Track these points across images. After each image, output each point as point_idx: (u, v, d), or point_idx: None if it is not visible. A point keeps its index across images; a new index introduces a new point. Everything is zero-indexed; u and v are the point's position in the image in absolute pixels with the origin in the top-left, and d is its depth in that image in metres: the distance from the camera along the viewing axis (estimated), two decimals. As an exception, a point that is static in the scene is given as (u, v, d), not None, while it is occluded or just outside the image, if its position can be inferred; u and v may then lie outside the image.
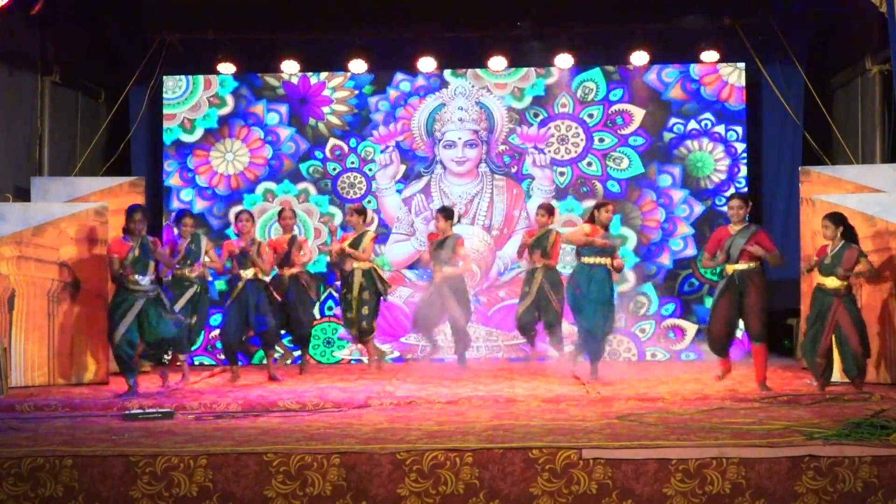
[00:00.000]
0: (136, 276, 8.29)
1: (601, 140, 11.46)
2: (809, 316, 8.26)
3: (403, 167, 11.52)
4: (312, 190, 11.52)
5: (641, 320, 11.25)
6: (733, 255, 8.29)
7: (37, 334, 9.16)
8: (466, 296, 10.06)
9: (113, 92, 11.48)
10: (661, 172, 11.39)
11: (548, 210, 10.08)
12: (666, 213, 11.36)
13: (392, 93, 11.59)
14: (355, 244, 9.93)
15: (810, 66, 11.10)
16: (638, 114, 11.44)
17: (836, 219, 8.14)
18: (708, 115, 11.39)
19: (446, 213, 9.96)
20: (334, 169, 11.52)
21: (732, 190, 11.12)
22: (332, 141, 11.56)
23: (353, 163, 11.54)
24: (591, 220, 9.01)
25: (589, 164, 11.44)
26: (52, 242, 9.23)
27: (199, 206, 11.46)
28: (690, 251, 11.30)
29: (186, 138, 11.52)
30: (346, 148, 11.55)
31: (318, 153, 11.55)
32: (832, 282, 8.03)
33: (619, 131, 11.44)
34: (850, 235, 8.13)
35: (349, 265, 9.90)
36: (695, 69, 11.41)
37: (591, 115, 11.47)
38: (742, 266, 8.26)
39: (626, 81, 11.46)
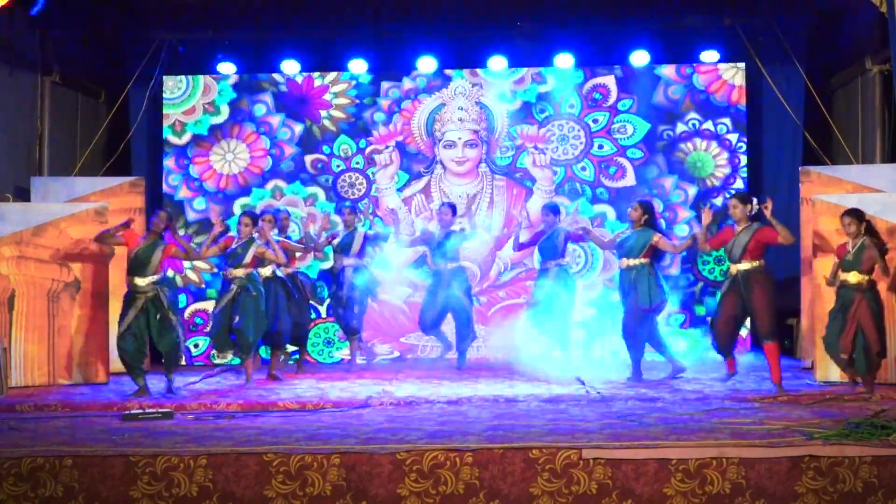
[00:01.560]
0: (135, 278, 8.41)
1: (600, 147, 11.46)
2: (832, 309, 8.21)
3: (404, 165, 11.53)
4: (310, 191, 11.50)
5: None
6: (735, 254, 8.29)
7: (37, 334, 9.16)
8: (469, 290, 10.21)
9: (113, 92, 11.48)
10: (678, 188, 11.35)
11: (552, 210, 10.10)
12: (662, 203, 11.33)
13: (392, 93, 11.59)
14: (346, 242, 9.95)
15: (810, 66, 11.10)
16: (642, 127, 11.42)
17: (859, 215, 8.12)
18: (708, 114, 11.38)
19: (454, 208, 10.20)
20: (338, 166, 11.51)
21: (734, 191, 11.11)
22: (332, 141, 11.55)
23: (352, 163, 11.53)
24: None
25: (583, 168, 11.43)
26: (52, 242, 9.23)
27: (199, 205, 11.46)
28: (674, 270, 11.24)
29: (195, 135, 11.51)
30: (346, 148, 11.54)
31: (316, 154, 11.54)
32: (854, 276, 8.02)
33: (620, 141, 11.44)
34: (871, 230, 8.11)
35: (337, 264, 9.95)
36: (695, 69, 11.41)
37: (595, 121, 11.46)
38: (745, 266, 8.25)
39: (629, 81, 11.45)
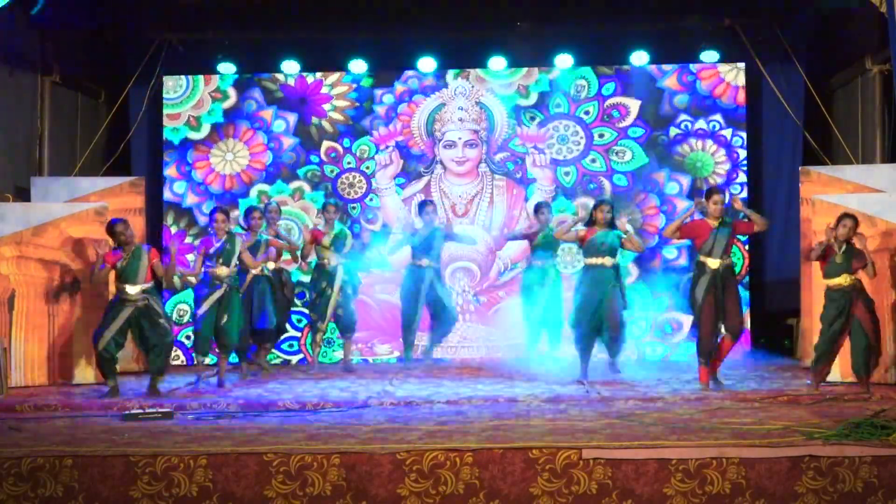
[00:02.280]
0: (126, 286, 8.33)
1: (601, 136, 11.46)
2: (825, 315, 8.18)
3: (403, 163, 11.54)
4: (307, 189, 11.52)
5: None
6: (717, 251, 8.27)
7: (37, 334, 9.16)
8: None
9: (113, 92, 11.48)
10: (671, 180, 11.35)
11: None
12: (667, 220, 11.33)
13: (392, 93, 11.58)
14: (339, 240, 9.90)
15: (810, 66, 11.10)
16: (633, 105, 11.44)
17: (857, 220, 8.17)
18: (708, 115, 11.38)
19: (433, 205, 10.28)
20: (349, 162, 11.51)
21: (740, 191, 11.10)
22: (332, 141, 11.55)
23: (363, 165, 11.53)
24: (591, 222, 9.10)
25: (592, 160, 11.44)
26: (52, 242, 9.24)
27: (200, 206, 11.48)
28: (683, 261, 11.23)
29: (194, 135, 11.51)
30: (364, 149, 11.52)
31: (314, 156, 11.54)
32: (846, 279, 8.06)
33: (616, 125, 11.45)
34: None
35: (332, 260, 9.89)
36: (695, 69, 11.41)
37: (587, 113, 11.47)
38: (726, 261, 8.29)
39: (622, 79, 11.45)
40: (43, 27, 10.45)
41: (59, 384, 9.11)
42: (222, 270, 8.79)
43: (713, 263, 8.27)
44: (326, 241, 9.86)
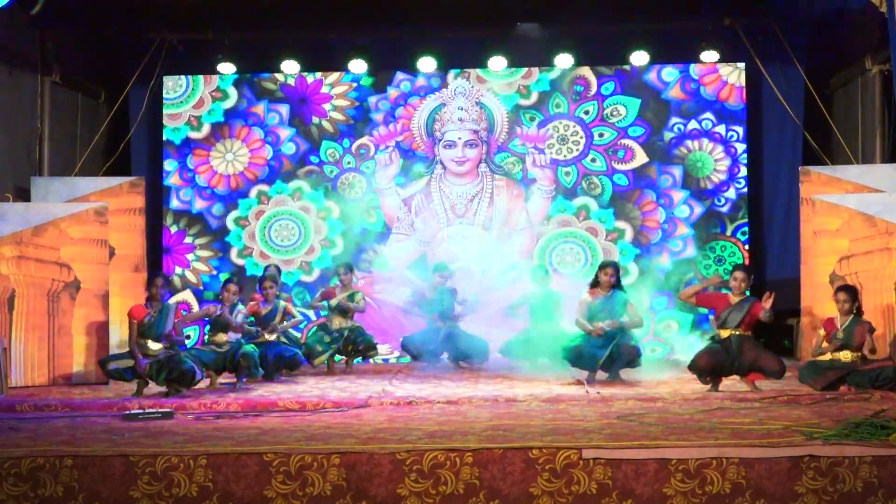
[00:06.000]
0: (148, 342, 8.26)
1: (601, 135, 11.47)
2: (819, 362, 8.19)
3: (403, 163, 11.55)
4: (307, 189, 11.53)
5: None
6: (731, 323, 8.19)
7: (37, 334, 9.16)
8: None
9: (113, 92, 11.49)
10: (662, 173, 11.39)
11: None
12: (666, 213, 11.36)
13: (392, 93, 11.60)
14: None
15: (810, 66, 11.11)
16: (633, 105, 11.44)
17: (854, 293, 8.16)
18: (708, 115, 11.39)
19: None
20: (349, 162, 11.53)
21: (743, 186, 11.11)
22: (332, 141, 11.56)
23: (363, 165, 11.53)
24: (596, 282, 9.04)
25: (593, 160, 11.45)
26: (52, 242, 9.24)
27: (199, 206, 11.51)
28: (690, 252, 11.28)
29: (194, 135, 11.53)
30: (343, 149, 11.54)
31: (314, 157, 11.55)
32: (847, 355, 8.06)
33: (617, 124, 11.45)
34: (860, 309, 8.16)
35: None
36: (695, 69, 11.42)
37: (587, 112, 11.48)
38: (738, 332, 8.19)
39: (621, 78, 11.47)
40: (43, 27, 10.45)
41: (59, 384, 9.11)
42: (221, 337, 8.79)
43: (724, 333, 8.20)
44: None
